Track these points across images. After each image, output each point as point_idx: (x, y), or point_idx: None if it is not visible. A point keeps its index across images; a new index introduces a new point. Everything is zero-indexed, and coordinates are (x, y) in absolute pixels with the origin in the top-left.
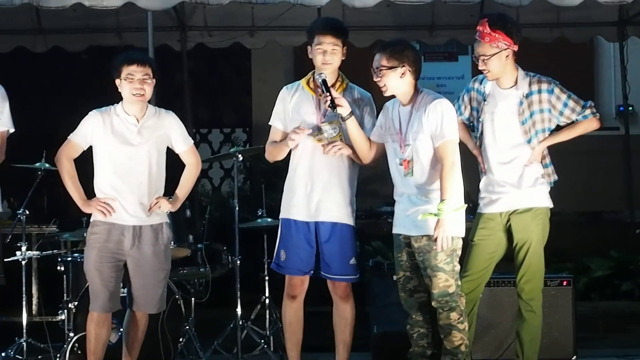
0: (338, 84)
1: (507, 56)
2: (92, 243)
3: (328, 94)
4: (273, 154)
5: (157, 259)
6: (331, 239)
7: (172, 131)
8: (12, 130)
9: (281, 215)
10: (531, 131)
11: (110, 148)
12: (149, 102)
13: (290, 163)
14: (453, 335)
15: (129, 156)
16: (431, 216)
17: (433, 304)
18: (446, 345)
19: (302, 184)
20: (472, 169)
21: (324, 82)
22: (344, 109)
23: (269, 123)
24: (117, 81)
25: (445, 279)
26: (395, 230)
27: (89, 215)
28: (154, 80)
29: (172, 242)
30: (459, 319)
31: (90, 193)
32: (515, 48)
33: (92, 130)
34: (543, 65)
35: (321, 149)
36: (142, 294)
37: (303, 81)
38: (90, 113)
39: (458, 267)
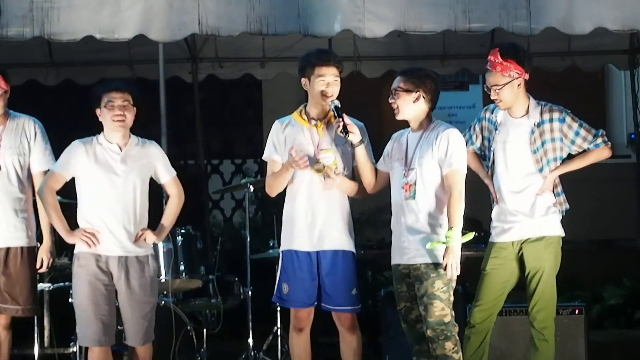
0: (330, 114)
1: (518, 85)
2: (81, 275)
3: (341, 119)
4: (274, 185)
5: (143, 292)
6: (333, 269)
7: (156, 161)
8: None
9: (282, 248)
10: (543, 160)
11: (94, 177)
12: (159, 136)
13: (287, 195)
14: None
15: (115, 185)
16: (439, 244)
17: (428, 332)
18: None
19: (302, 215)
20: (485, 198)
21: (337, 108)
22: (355, 136)
23: (264, 158)
24: (98, 111)
25: (441, 307)
26: (393, 261)
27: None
28: (135, 108)
29: (184, 274)
30: (453, 348)
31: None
32: (527, 77)
33: (75, 161)
34: (554, 94)
35: (318, 179)
36: (129, 327)
37: (295, 114)
38: (72, 143)
39: (452, 298)
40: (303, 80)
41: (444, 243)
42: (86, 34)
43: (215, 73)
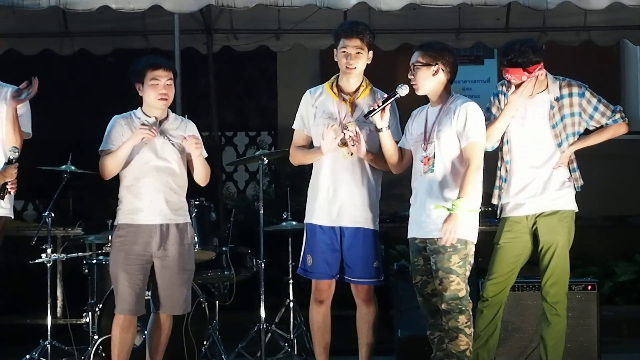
0: (362, 88)
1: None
2: (119, 246)
3: (382, 104)
4: (301, 160)
5: (182, 259)
6: (354, 243)
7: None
8: (29, 135)
9: (305, 220)
10: (562, 135)
11: (136, 150)
12: (172, 108)
13: (313, 167)
14: (460, 339)
15: (154, 157)
16: (444, 209)
17: (442, 306)
18: (451, 349)
19: (324, 189)
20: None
21: (395, 94)
22: (382, 122)
23: (293, 127)
24: (138, 85)
25: (457, 281)
26: (410, 235)
27: (114, 218)
28: (174, 86)
29: (197, 245)
30: (466, 322)
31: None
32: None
33: (122, 136)
34: (569, 69)
35: (342, 154)
36: (168, 295)
37: (327, 85)
38: (113, 120)
39: (468, 273)
40: (334, 51)
41: (448, 209)
42: (102, 4)
43: (230, 44)
